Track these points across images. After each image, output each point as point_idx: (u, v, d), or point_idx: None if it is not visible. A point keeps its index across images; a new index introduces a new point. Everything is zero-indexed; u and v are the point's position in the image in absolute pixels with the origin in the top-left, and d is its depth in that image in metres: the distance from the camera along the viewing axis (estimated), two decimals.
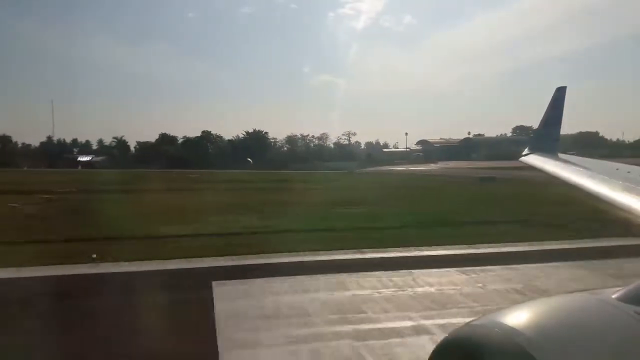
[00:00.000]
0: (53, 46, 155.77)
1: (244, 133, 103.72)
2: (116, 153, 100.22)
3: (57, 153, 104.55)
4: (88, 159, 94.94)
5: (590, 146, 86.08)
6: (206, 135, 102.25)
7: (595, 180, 3.64)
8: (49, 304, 10.16)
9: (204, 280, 11.65)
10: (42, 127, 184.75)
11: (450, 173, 63.03)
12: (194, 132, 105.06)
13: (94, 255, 13.54)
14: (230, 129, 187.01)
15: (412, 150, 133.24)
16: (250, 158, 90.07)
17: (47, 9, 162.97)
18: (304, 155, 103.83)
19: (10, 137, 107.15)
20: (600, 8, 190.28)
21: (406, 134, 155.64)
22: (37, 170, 72.78)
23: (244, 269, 12.83)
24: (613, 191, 3.27)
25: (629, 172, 3.84)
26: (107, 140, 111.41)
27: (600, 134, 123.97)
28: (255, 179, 52.86)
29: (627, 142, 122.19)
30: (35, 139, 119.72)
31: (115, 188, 37.73)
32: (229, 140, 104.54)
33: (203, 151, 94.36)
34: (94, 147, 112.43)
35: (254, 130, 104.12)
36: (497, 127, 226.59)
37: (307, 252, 14.26)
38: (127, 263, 13.09)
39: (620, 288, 1.95)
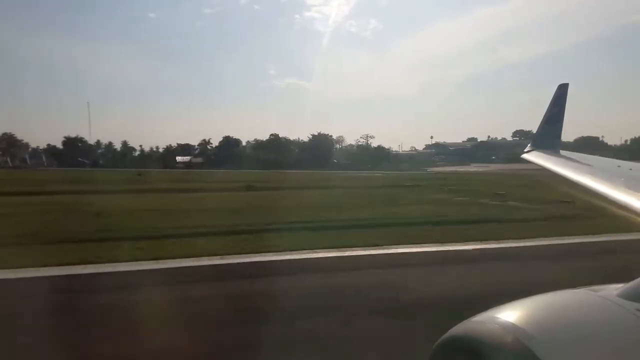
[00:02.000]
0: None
1: (310, 136, 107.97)
2: (210, 154, 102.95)
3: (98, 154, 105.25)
4: (187, 160, 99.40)
5: (591, 150, 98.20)
6: (275, 137, 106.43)
7: (596, 178, 3.51)
8: None
9: None
10: (38, 127, 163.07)
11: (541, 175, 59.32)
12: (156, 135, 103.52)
13: None
14: (186, 131, 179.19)
15: (418, 153, 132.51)
16: (318, 159, 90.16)
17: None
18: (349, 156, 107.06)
19: (83, 138, 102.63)
20: (569, 13, 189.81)
21: (431, 137, 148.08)
22: (176, 171, 69.82)
23: None
24: (614, 189, 3.13)
25: (630, 169, 3.79)
26: (134, 142, 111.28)
27: (600, 138, 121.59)
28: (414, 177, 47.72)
29: (611, 145, 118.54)
30: (41, 141, 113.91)
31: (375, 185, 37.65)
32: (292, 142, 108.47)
33: (273, 152, 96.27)
34: (117, 148, 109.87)
35: (319, 133, 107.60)
36: (472, 132, 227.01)
37: None
38: None
39: (622, 285, 1.86)
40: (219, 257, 9.98)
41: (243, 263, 9.67)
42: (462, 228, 13.99)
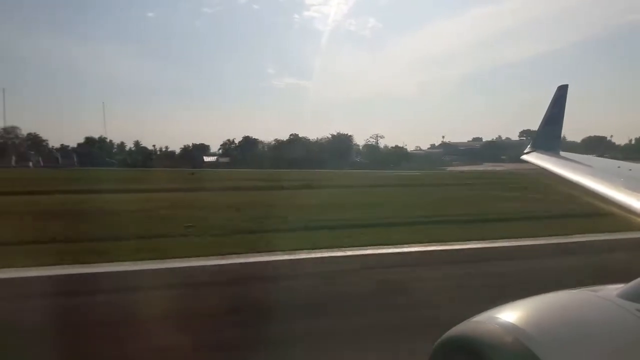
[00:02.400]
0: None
1: (329, 136, 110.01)
2: (233, 153, 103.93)
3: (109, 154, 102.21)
4: (214, 159, 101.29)
5: (599, 150, 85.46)
6: (295, 137, 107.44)
7: (596, 178, 3.48)
8: None
9: None
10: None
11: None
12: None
13: None
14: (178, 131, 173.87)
15: (427, 152, 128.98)
16: (337, 159, 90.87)
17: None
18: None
19: (106, 138, 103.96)
20: (566, 13, 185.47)
21: (443, 137, 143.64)
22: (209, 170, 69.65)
23: None
24: (614, 189, 3.08)
25: (630, 169, 3.74)
26: (145, 142, 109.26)
27: (608, 138, 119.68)
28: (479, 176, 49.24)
29: (618, 144, 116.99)
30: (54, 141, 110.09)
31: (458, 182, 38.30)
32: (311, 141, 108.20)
33: (295, 152, 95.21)
34: (127, 147, 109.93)
35: (338, 133, 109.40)
36: (475, 130, 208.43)
37: None
38: None
39: (622, 285, 1.83)
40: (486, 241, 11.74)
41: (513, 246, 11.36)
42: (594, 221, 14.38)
